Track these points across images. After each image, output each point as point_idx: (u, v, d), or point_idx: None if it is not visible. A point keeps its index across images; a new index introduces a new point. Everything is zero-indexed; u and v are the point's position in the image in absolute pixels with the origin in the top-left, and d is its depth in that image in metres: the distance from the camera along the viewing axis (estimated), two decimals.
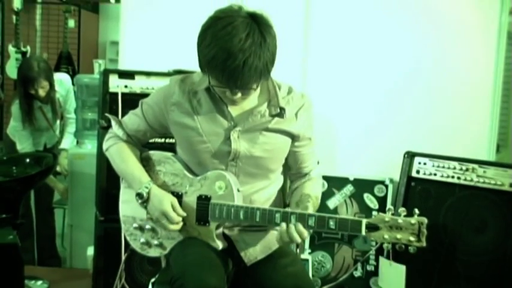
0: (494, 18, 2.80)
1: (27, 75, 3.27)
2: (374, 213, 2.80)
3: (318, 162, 1.84)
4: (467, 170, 2.51)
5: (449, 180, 2.52)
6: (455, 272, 2.48)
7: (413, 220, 1.47)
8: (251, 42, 1.45)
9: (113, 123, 1.83)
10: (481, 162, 2.51)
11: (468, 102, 2.85)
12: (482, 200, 2.48)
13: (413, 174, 2.58)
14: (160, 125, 1.77)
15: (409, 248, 1.48)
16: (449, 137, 2.83)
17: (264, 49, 1.47)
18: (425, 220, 1.47)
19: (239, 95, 1.55)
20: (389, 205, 2.73)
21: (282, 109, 1.66)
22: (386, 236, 1.48)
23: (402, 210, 1.49)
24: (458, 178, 2.51)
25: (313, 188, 1.76)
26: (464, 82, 2.85)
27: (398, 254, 2.23)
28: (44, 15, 6.57)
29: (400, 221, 1.48)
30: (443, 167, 2.54)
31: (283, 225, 1.55)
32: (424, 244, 1.47)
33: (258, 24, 1.48)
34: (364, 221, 1.50)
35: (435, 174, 2.55)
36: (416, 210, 1.48)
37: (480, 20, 2.83)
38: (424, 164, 2.57)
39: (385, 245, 1.50)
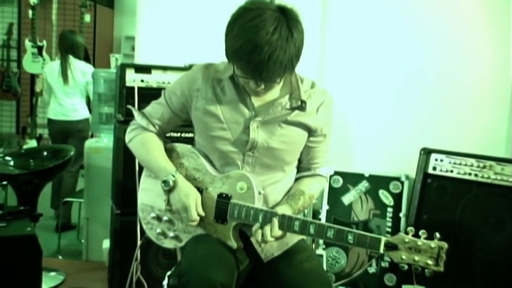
0: (510, 11, 2.76)
1: None
2: (389, 209, 2.79)
3: (330, 163, 1.83)
4: (484, 167, 2.48)
5: (466, 177, 2.50)
6: (471, 270, 2.46)
7: (433, 244, 1.45)
8: (278, 36, 1.45)
9: (135, 114, 1.84)
10: (498, 160, 2.49)
11: (486, 99, 2.82)
12: (499, 198, 2.46)
13: (430, 170, 2.57)
14: (183, 111, 1.77)
15: (426, 270, 1.46)
16: (466, 133, 2.80)
17: (290, 44, 1.47)
18: (445, 245, 1.45)
19: (262, 86, 1.56)
20: (404, 202, 2.75)
21: (303, 102, 1.66)
22: (404, 257, 1.47)
23: (423, 232, 1.47)
24: (476, 175, 2.49)
25: (311, 186, 1.76)
26: (482, 78, 2.82)
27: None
28: (60, 10, 6.60)
29: (419, 243, 1.46)
30: (460, 163, 2.52)
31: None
32: (442, 269, 1.45)
33: (286, 18, 1.48)
34: (384, 239, 1.48)
35: (452, 171, 2.53)
36: (438, 234, 1.46)
37: (497, 14, 2.79)
38: (441, 160, 2.55)
39: (401, 265, 1.48)
